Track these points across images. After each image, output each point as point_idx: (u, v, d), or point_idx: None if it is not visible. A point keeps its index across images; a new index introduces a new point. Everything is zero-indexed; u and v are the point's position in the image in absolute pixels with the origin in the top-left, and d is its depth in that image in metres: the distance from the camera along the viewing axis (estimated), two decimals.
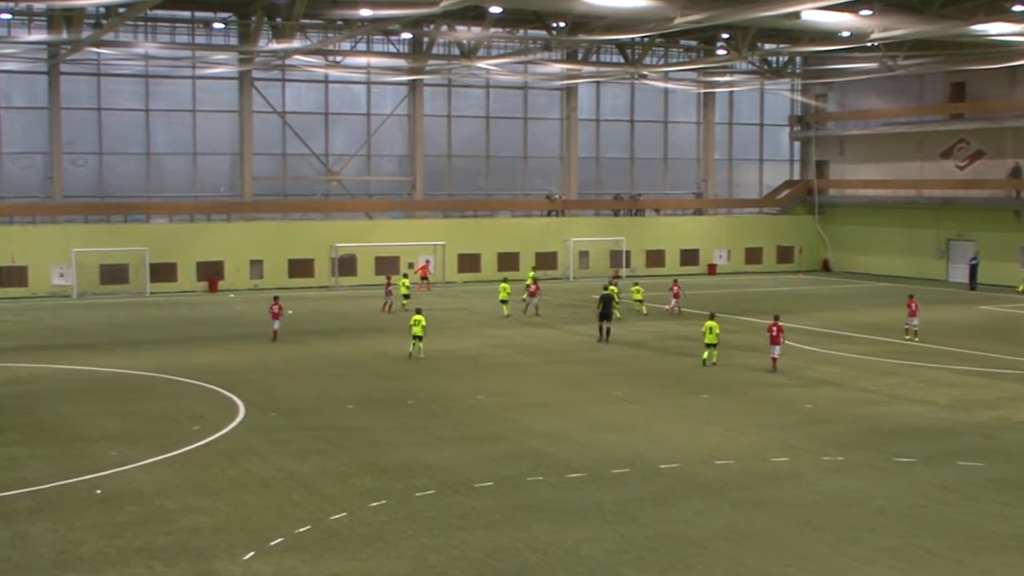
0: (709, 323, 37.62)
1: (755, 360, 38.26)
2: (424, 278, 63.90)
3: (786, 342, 38.86)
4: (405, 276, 57.56)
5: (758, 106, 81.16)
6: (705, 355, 37.42)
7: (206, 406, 30.47)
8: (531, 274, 56.48)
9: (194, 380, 34.30)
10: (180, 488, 22.15)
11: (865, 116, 76.69)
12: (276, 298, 44.33)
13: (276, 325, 43.32)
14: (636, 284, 54.33)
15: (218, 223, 65.46)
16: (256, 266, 64.50)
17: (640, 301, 51.95)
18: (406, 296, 53.66)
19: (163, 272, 61.91)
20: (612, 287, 47.10)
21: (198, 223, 64.98)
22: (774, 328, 36.62)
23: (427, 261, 65.48)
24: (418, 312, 39.31)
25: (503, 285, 52.21)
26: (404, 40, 66.82)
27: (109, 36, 56.02)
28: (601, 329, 43.12)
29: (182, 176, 65.83)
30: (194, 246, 62.96)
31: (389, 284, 54.15)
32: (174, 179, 65.78)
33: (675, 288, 52.33)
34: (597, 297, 44.46)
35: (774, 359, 36.53)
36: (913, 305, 44.45)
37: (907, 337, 44.09)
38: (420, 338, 38.69)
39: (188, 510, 20.71)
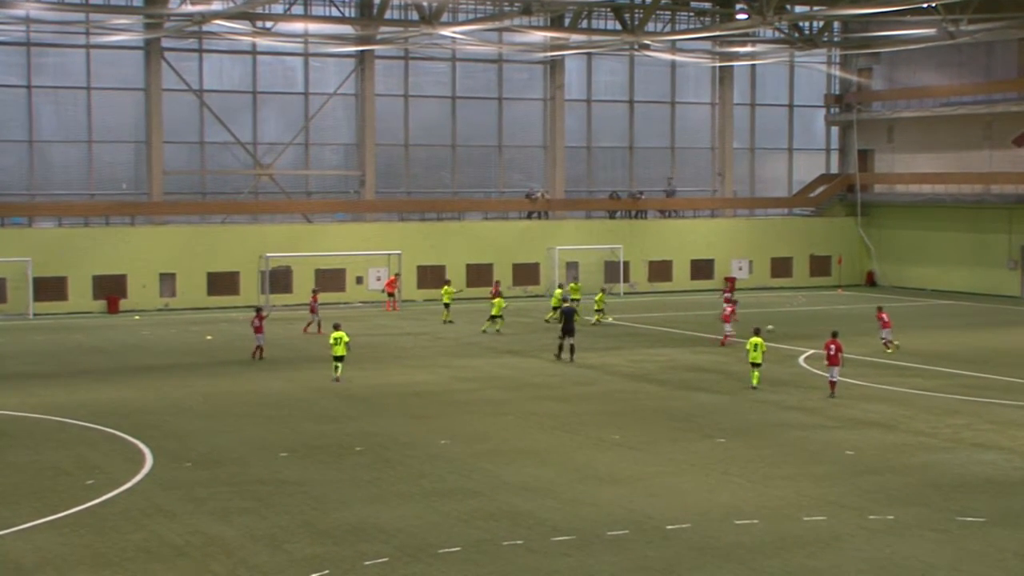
0: (754, 339, 39.84)
1: (783, 396, 38.38)
2: (391, 295, 64.00)
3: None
4: (448, 283, 60.28)
5: (787, 83, 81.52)
6: (755, 379, 39.71)
7: (103, 455, 30.25)
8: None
9: (88, 423, 34.03)
10: (70, 558, 21.95)
11: (920, 94, 77.06)
12: (259, 309, 48.28)
13: (261, 340, 46.36)
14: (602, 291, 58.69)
15: (119, 228, 65.24)
16: (167, 281, 64.31)
17: (600, 311, 55.67)
18: (447, 305, 57.56)
19: (50, 288, 61.66)
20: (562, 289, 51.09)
21: (94, 228, 64.75)
22: (832, 346, 38.27)
23: (395, 275, 65.50)
24: (337, 328, 41.76)
25: (497, 301, 54.63)
26: (350, 2, 66.87)
27: None
28: (561, 347, 46.05)
29: (74, 169, 65.61)
30: (90, 256, 62.73)
31: (315, 300, 54.62)
32: (64, 173, 65.55)
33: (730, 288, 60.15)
34: (558, 311, 47.32)
35: (832, 383, 38.33)
36: (885, 316, 49.00)
37: (889, 351, 47.67)
38: (342, 358, 41.16)
39: None
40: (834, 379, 38.36)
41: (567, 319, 46.19)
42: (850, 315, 61.41)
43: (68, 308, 61.85)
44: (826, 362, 38.71)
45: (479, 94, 73.50)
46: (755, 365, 39.57)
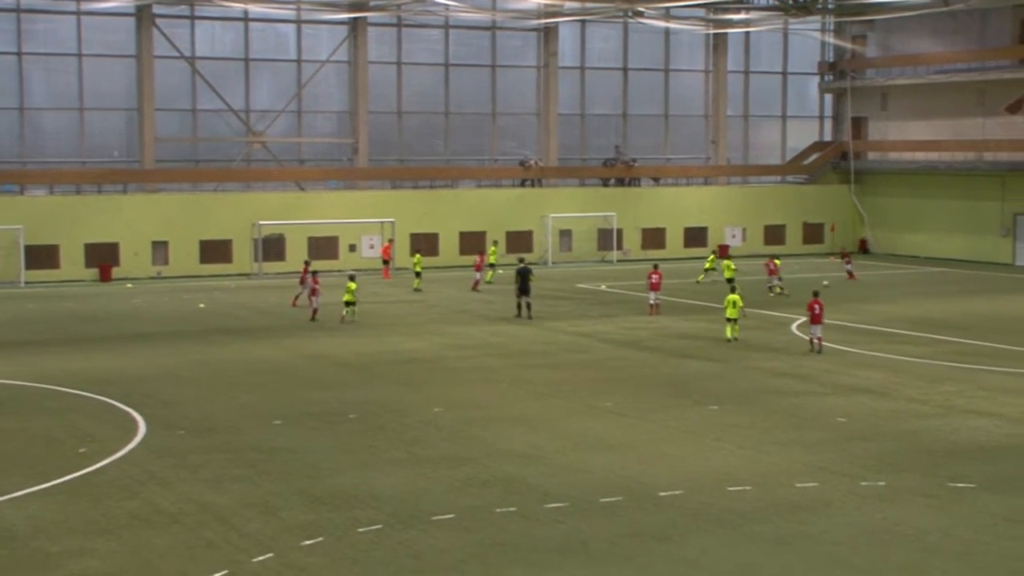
0: (731, 296, 42.65)
1: (775, 363, 38.48)
2: (386, 262, 63.98)
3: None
4: (419, 251, 61.59)
5: (781, 50, 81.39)
6: (728, 332, 42.41)
7: (96, 423, 30.26)
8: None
9: (81, 391, 34.05)
10: (64, 526, 21.98)
11: (914, 62, 76.99)
12: (315, 273, 50.27)
13: (317, 303, 48.11)
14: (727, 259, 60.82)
15: (111, 195, 65.14)
16: (160, 249, 64.26)
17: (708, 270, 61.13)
18: (417, 274, 58.43)
19: (42, 257, 61.60)
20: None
21: (86, 195, 64.66)
22: (816, 305, 40.41)
23: (390, 241, 65.38)
24: (352, 279, 48.01)
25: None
26: None
27: None
28: (519, 305, 48.93)
29: (66, 137, 65.46)
30: (81, 224, 62.66)
31: (306, 272, 52.43)
32: (55, 141, 65.43)
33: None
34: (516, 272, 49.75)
35: (817, 339, 40.48)
36: (772, 265, 57.14)
37: (772, 295, 55.31)
38: (353, 304, 47.14)
39: (74, 554, 20.54)
40: (817, 336, 40.25)
41: (522, 279, 48.77)
42: (843, 282, 61.42)
43: (60, 276, 61.81)
44: (809, 320, 40.59)
45: (472, 61, 73.29)
46: (732, 320, 42.27)
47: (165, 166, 66.53)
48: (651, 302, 50.46)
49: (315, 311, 47.88)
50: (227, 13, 66.84)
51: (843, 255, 66.35)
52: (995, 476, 25.27)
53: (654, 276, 50.56)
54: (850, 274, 62.83)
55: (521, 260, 51.49)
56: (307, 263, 54.71)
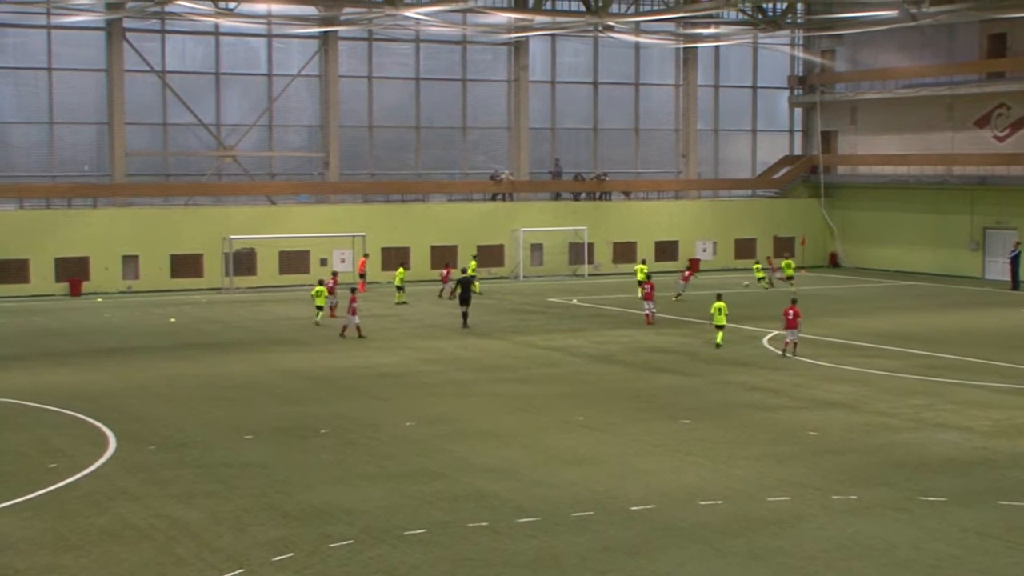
0: (718, 304, 44.34)
1: (747, 377, 38.53)
2: (362, 275, 63.92)
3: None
4: (402, 265, 62.47)
5: (750, 65, 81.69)
6: (719, 338, 44.30)
7: (66, 439, 30.11)
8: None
9: (51, 406, 33.86)
10: (33, 542, 21.85)
11: (882, 76, 77.33)
12: (353, 290, 48.66)
13: (356, 320, 47.01)
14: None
15: (82, 210, 64.83)
16: (130, 263, 64.00)
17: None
18: (400, 287, 59.17)
19: (11, 271, 61.28)
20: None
21: (56, 210, 64.33)
22: (791, 312, 42.01)
23: (365, 256, 65.22)
24: (321, 283, 50.60)
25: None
26: None
27: None
28: (465, 316, 50.16)
29: (35, 151, 65.11)
30: (51, 239, 62.36)
31: (335, 283, 53.50)
32: (24, 155, 65.05)
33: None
34: (457, 282, 51.79)
35: (787, 343, 42.16)
36: (647, 287, 55.03)
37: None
38: (322, 307, 50.12)
39: (43, 570, 20.40)
40: (789, 340, 41.99)
41: (464, 288, 50.41)
42: (812, 296, 61.61)
43: (30, 291, 61.47)
44: (784, 326, 41.94)
45: (443, 75, 73.30)
46: (720, 327, 44.08)
47: (135, 180, 66.23)
48: (646, 312, 51.58)
49: (346, 328, 47.15)
50: (198, 27, 66.68)
51: (770, 263, 68.23)
52: (965, 490, 25.35)
53: (646, 286, 52.09)
54: (775, 281, 65.48)
55: (463, 271, 53.72)
56: (335, 275, 55.36)
